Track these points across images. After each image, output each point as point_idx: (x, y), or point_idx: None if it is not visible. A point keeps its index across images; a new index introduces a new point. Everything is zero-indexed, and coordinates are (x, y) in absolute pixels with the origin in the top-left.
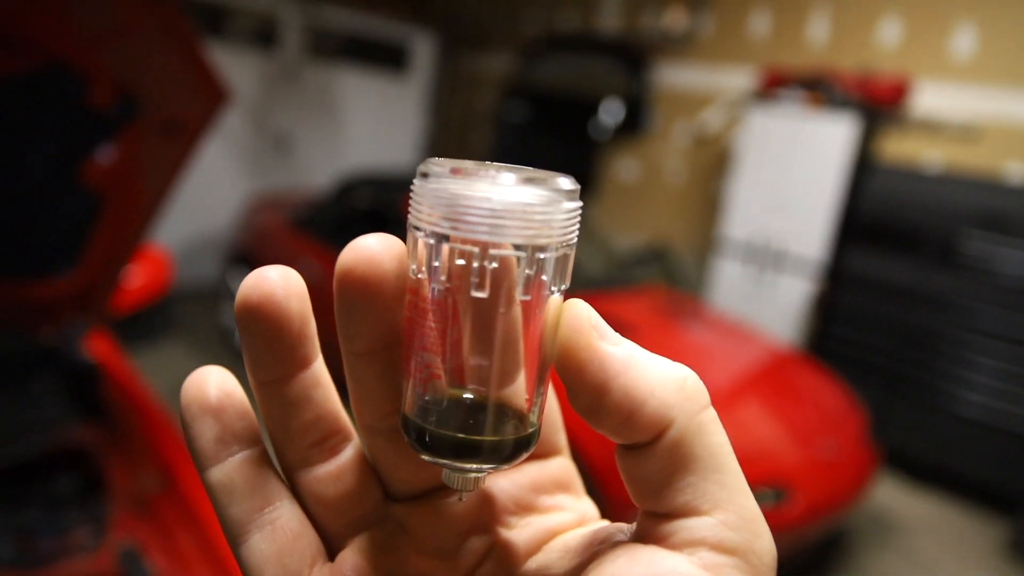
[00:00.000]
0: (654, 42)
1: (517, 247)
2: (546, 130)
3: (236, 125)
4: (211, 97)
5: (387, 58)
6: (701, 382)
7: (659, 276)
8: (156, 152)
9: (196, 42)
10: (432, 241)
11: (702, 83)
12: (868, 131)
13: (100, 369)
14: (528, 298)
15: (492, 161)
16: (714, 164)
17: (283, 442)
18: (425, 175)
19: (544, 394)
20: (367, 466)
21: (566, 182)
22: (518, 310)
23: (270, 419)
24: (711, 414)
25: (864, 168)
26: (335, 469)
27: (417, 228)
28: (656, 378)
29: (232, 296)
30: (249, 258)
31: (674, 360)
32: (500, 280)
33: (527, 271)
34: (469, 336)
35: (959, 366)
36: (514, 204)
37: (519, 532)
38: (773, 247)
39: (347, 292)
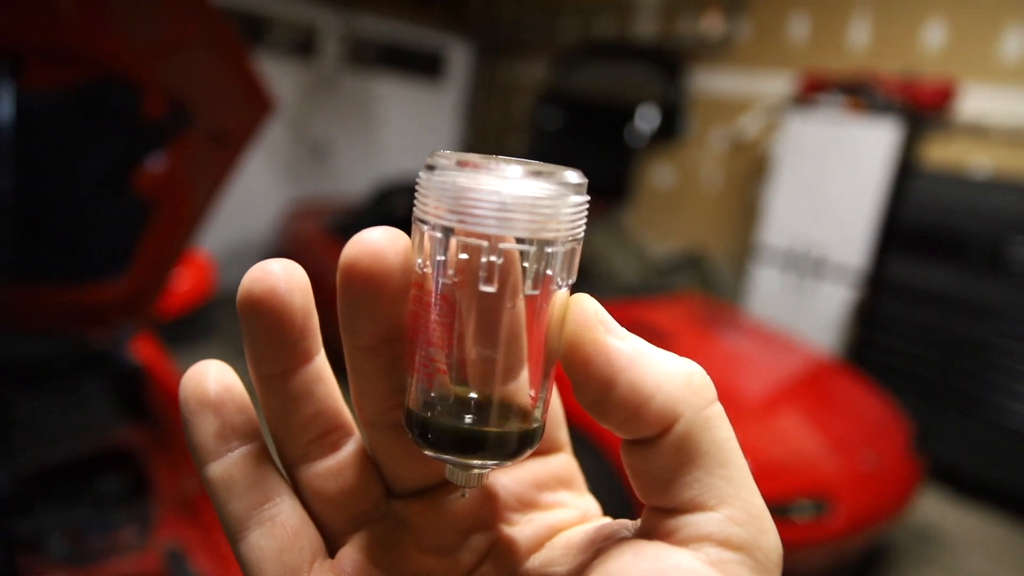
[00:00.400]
0: (690, 47)
1: (524, 241)
2: (582, 136)
3: (276, 133)
4: (258, 107)
5: (424, 66)
6: (708, 377)
7: (695, 283)
8: (204, 160)
9: (244, 54)
10: (438, 234)
11: (739, 88)
12: (911, 136)
13: (146, 372)
14: (535, 292)
15: None
16: (751, 170)
17: (284, 437)
18: (431, 168)
19: (549, 390)
20: (368, 462)
21: (573, 176)
22: (523, 304)
23: (271, 414)
24: (718, 409)
25: (907, 174)
26: (336, 465)
27: (423, 221)
28: (663, 373)
29: None
30: None
31: (711, 369)
32: (507, 274)
33: (534, 265)
34: (474, 331)
35: (1006, 376)
36: (522, 197)
37: (521, 529)
38: (813, 254)
39: (351, 286)
